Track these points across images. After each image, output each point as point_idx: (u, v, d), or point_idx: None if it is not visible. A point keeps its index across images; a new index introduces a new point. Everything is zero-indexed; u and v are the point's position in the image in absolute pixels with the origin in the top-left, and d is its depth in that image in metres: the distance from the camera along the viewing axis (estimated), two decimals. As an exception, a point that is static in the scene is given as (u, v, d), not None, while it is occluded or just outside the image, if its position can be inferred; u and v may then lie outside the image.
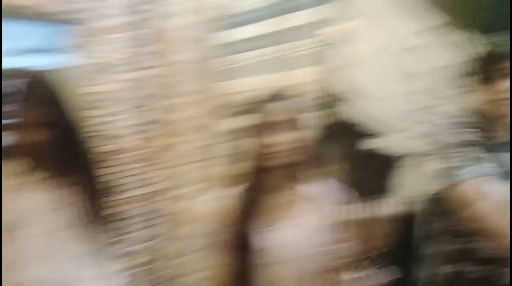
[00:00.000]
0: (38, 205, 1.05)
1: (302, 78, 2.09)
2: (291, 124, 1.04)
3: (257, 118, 1.05)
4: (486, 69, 1.13)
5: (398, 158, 1.80)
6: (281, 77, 2.16)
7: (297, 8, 2.08)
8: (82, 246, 1.11)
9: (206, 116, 2.48)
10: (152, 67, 2.21)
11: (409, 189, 1.78)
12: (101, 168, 1.94)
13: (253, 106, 1.08)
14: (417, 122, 1.74)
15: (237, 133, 2.29)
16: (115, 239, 2.18)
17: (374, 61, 1.84)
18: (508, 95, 1.07)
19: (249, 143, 1.06)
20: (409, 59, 1.74)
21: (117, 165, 2.16)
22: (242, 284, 1.02)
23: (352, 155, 1.90)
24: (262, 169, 1.06)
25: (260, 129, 1.04)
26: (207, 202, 1.16)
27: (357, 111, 1.89)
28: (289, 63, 2.14)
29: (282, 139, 1.02)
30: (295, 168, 1.08)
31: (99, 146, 2.04)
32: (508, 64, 1.09)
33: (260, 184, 1.07)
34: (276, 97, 1.08)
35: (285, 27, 2.14)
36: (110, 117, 2.11)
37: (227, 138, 2.45)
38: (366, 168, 1.87)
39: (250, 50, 2.32)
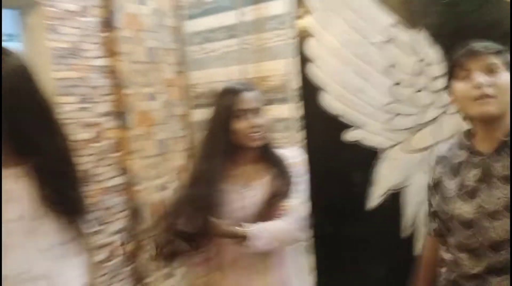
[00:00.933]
0: (10, 192, 0.99)
1: (273, 70, 2.09)
2: (260, 110, 1.30)
3: (233, 105, 1.25)
4: (459, 63, 1.07)
5: (378, 150, 1.84)
6: (252, 68, 2.16)
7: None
8: (55, 237, 1.06)
9: (179, 105, 2.45)
10: (122, 54, 2.16)
11: (389, 181, 1.83)
12: (77, 156, 1.91)
13: (227, 95, 1.29)
14: (397, 114, 1.77)
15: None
16: (92, 230, 2.16)
17: (346, 54, 1.86)
18: (487, 91, 1.01)
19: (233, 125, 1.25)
20: (380, 53, 1.77)
21: (92, 154, 2.11)
22: None
23: (332, 146, 1.94)
24: (240, 147, 1.29)
25: (238, 114, 1.25)
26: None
27: (334, 103, 1.91)
28: (260, 54, 2.14)
29: (258, 122, 1.26)
30: (264, 146, 1.34)
31: (73, 134, 2.01)
32: (487, 60, 1.03)
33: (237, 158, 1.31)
34: (247, 86, 1.32)
35: (255, 17, 2.13)
36: (83, 104, 2.05)
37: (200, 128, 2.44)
38: (347, 160, 1.91)
39: (219, 40, 2.31)
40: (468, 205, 1.07)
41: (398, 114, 1.78)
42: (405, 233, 1.79)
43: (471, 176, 1.08)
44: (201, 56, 2.40)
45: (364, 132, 1.87)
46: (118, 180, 2.20)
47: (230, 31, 2.25)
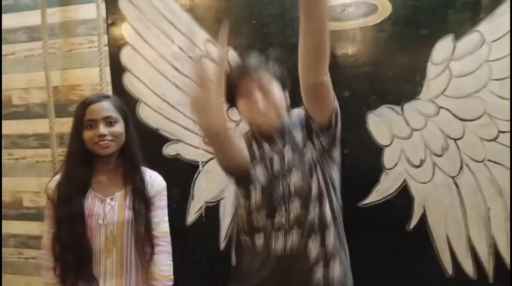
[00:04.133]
0: None
1: (84, 78, 1.91)
2: (113, 119, 1.34)
3: (82, 116, 1.30)
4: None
5: (198, 163, 1.83)
6: (59, 76, 1.94)
7: (77, 1, 1.91)
8: None
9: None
10: None
11: (206, 194, 1.83)
12: None
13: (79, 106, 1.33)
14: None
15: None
16: None
17: (165, 65, 1.83)
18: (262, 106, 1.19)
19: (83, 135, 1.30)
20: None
21: None
22: None
23: (152, 160, 1.85)
24: (97, 155, 1.33)
25: (87, 124, 1.30)
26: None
27: (153, 115, 1.84)
28: (68, 60, 1.93)
29: (103, 131, 1.29)
30: (118, 155, 1.38)
31: None
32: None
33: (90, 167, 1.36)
34: (99, 97, 1.35)
35: (62, 20, 1.93)
36: None
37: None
38: (168, 175, 1.83)
39: (19, 42, 2.02)
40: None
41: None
42: (223, 245, 1.82)
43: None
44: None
45: (184, 145, 1.85)
46: None
47: (33, 33, 1.97)
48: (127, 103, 1.83)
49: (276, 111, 1.20)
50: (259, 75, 1.20)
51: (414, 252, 1.61)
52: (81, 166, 1.32)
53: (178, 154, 1.85)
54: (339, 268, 1.21)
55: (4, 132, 2.09)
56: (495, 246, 1.56)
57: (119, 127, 1.35)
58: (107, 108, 1.33)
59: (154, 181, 1.44)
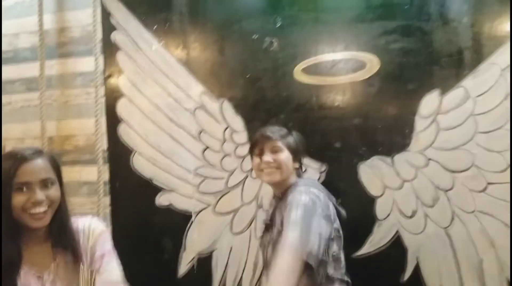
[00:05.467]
0: None
1: (80, 128, 1.94)
2: (50, 182, 1.07)
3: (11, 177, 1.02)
4: (255, 144, 1.43)
5: (191, 214, 1.83)
6: (55, 126, 1.96)
7: (76, 54, 1.98)
8: None
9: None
10: None
11: (198, 245, 1.81)
12: None
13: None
14: (207, 177, 1.82)
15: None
16: None
17: (160, 116, 1.87)
18: (272, 165, 1.38)
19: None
20: (192, 118, 1.83)
21: None
22: None
23: (144, 211, 1.85)
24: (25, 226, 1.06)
25: (17, 187, 1.02)
26: None
27: (146, 165, 1.86)
28: (64, 111, 1.97)
29: (40, 198, 1.03)
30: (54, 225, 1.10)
31: None
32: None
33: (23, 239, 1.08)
34: (33, 154, 1.07)
35: (60, 72, 1.99)
36: None
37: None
38: (160, 225, 1.84)
39: (17, 93, 2.05)
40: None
41: (208, 178, 1.82)
42: (216, 297, 1.77)
43: None
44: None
45: (177, 195, 1.85)
46: None
47: (31, 84, 2.00)
48: (121, 153, 1.87)
49: (283, 170, 1.37)
50: (274, 140, 1.39)
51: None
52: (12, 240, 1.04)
53: (170, 204, 1.85)
54: None
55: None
56: (490, 299, 1.55)
57: (56, 190, 1.08)
58: (44, 168, 1.06)
59: (89, 229, 1.16)
